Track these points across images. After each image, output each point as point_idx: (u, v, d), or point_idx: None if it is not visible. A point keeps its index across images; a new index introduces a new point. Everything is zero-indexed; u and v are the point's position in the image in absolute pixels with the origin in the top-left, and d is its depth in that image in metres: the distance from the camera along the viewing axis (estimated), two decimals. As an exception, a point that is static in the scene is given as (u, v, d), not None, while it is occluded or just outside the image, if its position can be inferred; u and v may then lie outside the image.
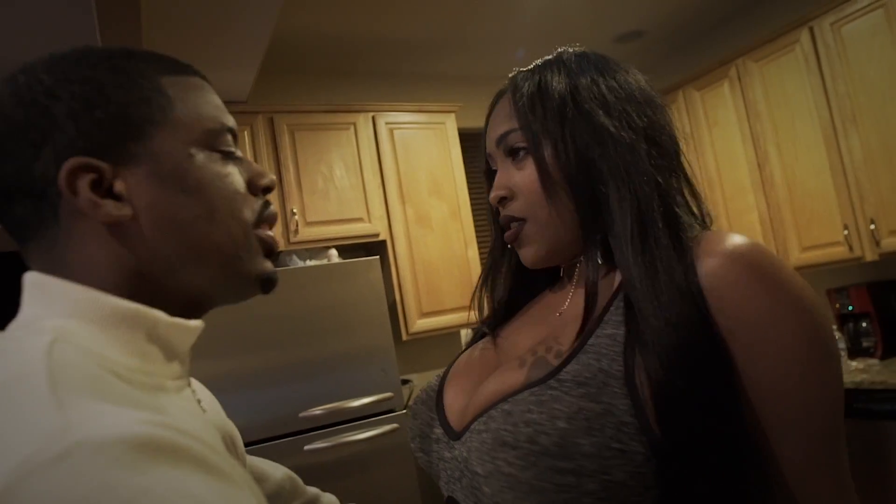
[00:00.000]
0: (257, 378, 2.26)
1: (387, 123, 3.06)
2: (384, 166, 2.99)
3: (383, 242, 2.94)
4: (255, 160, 2.74)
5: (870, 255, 2.72)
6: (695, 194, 0.70)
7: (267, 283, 0.55)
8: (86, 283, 0.47)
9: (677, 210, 0.65)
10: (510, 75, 0.75)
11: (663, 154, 0.67)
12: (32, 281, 0.47)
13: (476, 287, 0.80)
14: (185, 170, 0.50)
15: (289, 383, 2.31)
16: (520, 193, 0.68)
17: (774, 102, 3.01)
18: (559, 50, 0.74)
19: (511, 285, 0.78)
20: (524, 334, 0.72)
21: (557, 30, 3.29)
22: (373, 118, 3.03)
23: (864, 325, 2.84)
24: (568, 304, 0.70)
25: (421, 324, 2.92)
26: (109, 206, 0.47)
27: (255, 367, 2.27)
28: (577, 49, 0.74)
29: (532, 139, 0.67)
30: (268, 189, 0.56)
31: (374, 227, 2.91)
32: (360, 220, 2.87)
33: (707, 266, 0.57)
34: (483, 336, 0.78)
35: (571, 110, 0.66)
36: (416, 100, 3.32)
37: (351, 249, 2.96)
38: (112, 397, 0.38)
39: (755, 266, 0.56)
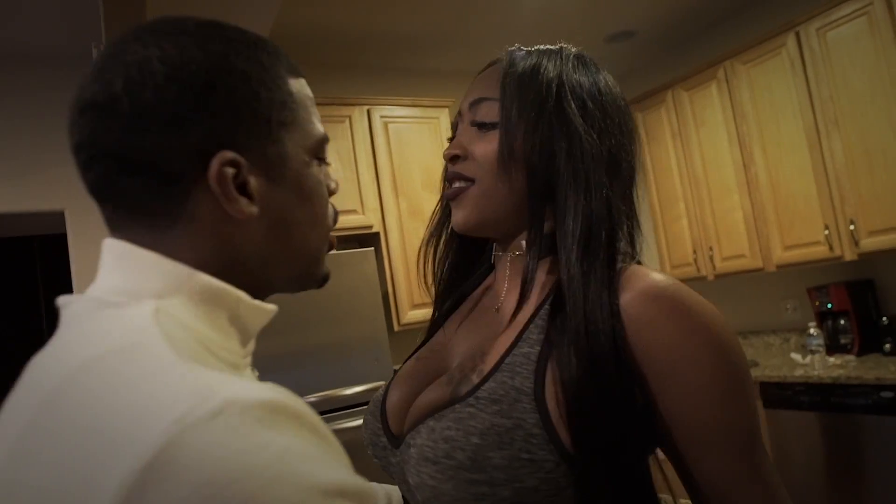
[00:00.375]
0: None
1: (381, 117, 3.10)
2: (378, 159, 3.03)
3: (377, 234, 2.98)
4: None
5: (849, 255, 2.80)
6: (637, 226, 0.72)
7: (325, 282, 0.58)
8: (183, 255, 0.47)
9: (619, 233, 0.67)
10: (509, 48, 0.75)
11: (619, 176, 0.69)
12: (120, 250, 0.47)
13: (420, 245, 0.82)
14: (303, 176, 0.52)
15: (283, 371, 2.35)
16: (475, 158, 0.70)
17: (760, 104, 3.08)
18: (562, 44, 0.75)
19: (456, 251, 0.81)
20: (463, 339, 0.75)
21: (551, 28, 3.34)
22: (368, 111, 3.07)
23: (842, 322, 2.93)
24: (503, 301, 0.73)
25: (413, 315, 2.96)
26: (243, 202, 0.48)
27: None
28: (578, 50, 0.75)
29: (507, 118, 0.68)
30: (333, 193, 0.58)
31: (367, 219, 2.95)
32: (353, 211, 2.91)
33: (628, 299, 0.61)
34: (435, 328, 0.82)
35: (552, 102, 0.68)
36: (411, 94, 3.35)
37: (344, 241, 3.00)
38: (214, 368, 0.39)
39: (670, 304, 0.60)
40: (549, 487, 0.58)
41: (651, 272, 0.63)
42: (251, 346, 0.53)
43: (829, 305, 2.95)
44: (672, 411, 0.60)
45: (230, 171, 0.47)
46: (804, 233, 2.95)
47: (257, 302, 0.51)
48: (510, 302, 0.70)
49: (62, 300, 0.48)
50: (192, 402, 0.34)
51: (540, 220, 0.68)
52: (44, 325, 4.76)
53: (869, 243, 2.73)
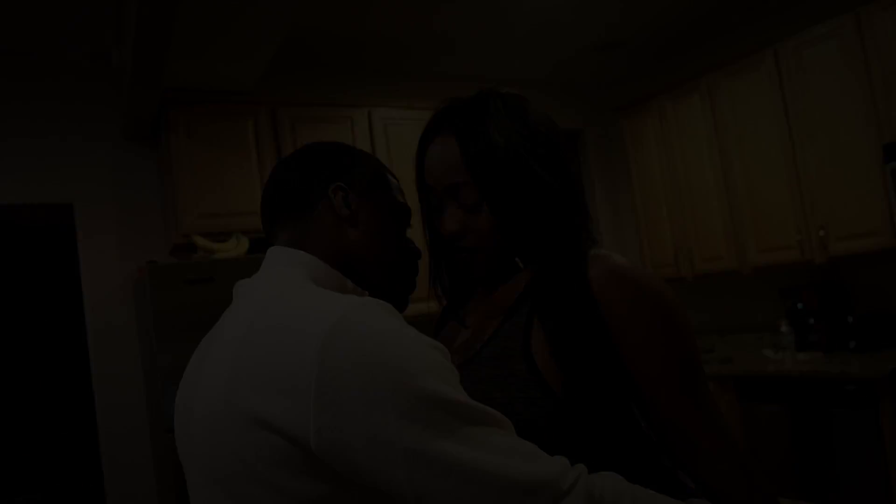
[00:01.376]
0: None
1: (382, 119, 3.21)
2: (378, 158, 3.13)
3: (376, 231, 3.09)
4: (258, 150, 2.87)
5: (819, 259, 3.00)
6: (589, 218, 0.89)
7: (404, 306, 0.84)
8: (313, 251, 0.77)
9: (581, 235, 0.85)
10: (450, 120, 0.84)
11: (578, 188, 0.85)
12: (277, 251, 0.78)
13: (430, 278, 0.98)
14: (386, 213, 0.83)
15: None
16: (474, 234, 0.83)
17: (740, 116, 3.27)
18: (485, 94, 0.86)
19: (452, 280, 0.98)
20: (461, 332, 0.91)
21: (543, 37, 3.48)
22: (368, 113, 3.18)
23: (811, 321, 3.13)
24: (495, 294, 0.89)
25: (414, 308, 3.08)
26: (346, 211, 0.79)
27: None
28: (504, 91, 0.86)
29: (494, 202, 0.80)
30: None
31: (367, 216, 3.05)
32: (354, 209, 3.02)
33: (594, 275, 0.78)
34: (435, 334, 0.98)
35: (521, 167, 0.80)
36: (410, 97, 3.47)
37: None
38: None
39: (625, 278, 0.77)
40: (538, 418, 0.74)
41: (611, 254, 0.80)
42: None
43: (800, 305, 3.15)
44: (631, 357, 0.76)
45: (341, 193, 0.79)
46: (778, 237, 3.15)
47: (357, 288, 0.79)
48: (499, 297, 0.87)
49: (240, 283, 0.78)
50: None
51: (537, 253, 0.83)
52: (43, 317, 4.76)
53: (838, 248, 2.93)
